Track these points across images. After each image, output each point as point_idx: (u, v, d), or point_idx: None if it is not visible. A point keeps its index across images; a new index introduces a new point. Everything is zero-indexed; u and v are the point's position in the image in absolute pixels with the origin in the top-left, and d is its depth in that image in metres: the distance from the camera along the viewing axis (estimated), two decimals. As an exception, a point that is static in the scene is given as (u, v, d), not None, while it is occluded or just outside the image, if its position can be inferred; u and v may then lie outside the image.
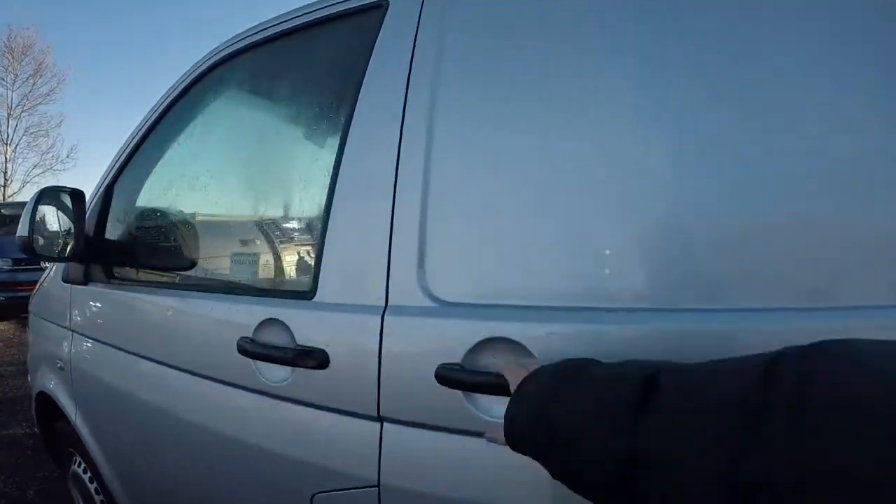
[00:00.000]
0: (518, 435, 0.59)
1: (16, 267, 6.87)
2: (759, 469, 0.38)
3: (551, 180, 0.79)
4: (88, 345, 1.60)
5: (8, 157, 18.18)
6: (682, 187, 0.70)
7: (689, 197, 0.70)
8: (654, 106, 0.74)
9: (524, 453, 0.59)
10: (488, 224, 0.82)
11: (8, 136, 18.18)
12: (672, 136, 0.72)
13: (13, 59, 18.04)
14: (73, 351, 1.68)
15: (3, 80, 18.04)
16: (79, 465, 1.86)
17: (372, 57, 0.99)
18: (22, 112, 18.39)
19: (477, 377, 0.75)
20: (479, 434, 0.74)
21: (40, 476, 2.85)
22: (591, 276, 0.74)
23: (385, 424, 0.86)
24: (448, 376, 0.77)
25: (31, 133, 18.69)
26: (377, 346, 0.85)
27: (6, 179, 18.22)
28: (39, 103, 18.70)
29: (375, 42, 0.99)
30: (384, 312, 0.86)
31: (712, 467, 0.41)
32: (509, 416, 0.61)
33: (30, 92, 18.49)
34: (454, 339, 0.78)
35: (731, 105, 0.69)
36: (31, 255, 1.47)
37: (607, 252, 0.74)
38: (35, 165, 18.81)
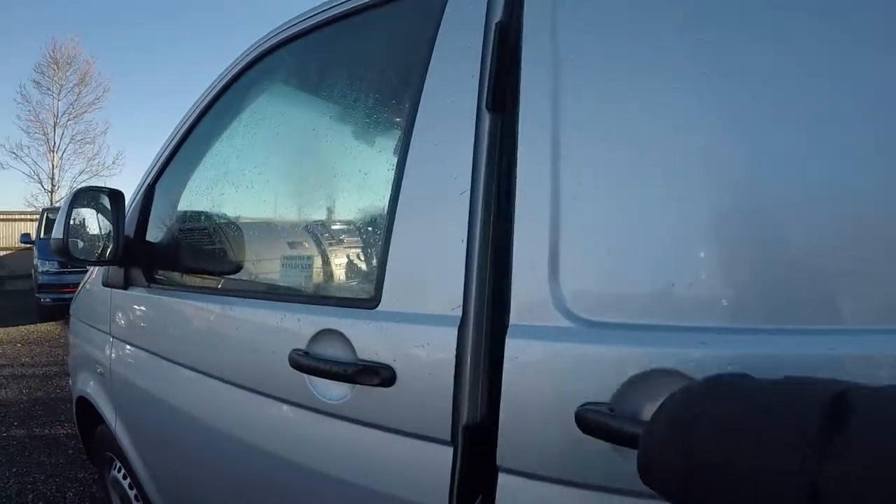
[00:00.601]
0: (652, 461, 0.48)
1: (62, 269, 7.07)
2: None
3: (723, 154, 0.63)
4: (129, 351, 1.55)
5: (55, 163, 18.79)
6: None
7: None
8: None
9: (656, 488, 0.49)
10: (647, 220, 0.66)
11: (55, 143, 18.78)
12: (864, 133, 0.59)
13: (58, 69, 18.63)
14: (113, 356, 1.64)
15: (49, 90, 18.65)
16: (119, 471, 1.83)
17: (439, 32, 0.88)
18: (68, 121, 18.98)
19: (636, 427, 0.58)
20: (634, 493, 0.60)
21: (81, 477, 2.85)
22: (789, 289, 0.59)
23: (501, 475, 0.72)
24: (594, 421, 0.61)
25: (78, 140, 19.24)
26: (453, 361, 0.74)
27: (53, 185, 18.85)
28: (85, 112, 19.26)
29: (444, 10, 0.89)
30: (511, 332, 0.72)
31: None
32: (642, 441, 0.51)
33: (75, 101, 19.05)
34: (602, 370, 0.63)
35: None
36: (67, 258, 1.41)
37: (802, 261, 0.59)
38: (81, 171, 19.34)
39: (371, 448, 0.85)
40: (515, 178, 0.75)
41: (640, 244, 0.66)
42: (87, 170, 19.25)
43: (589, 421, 0.61)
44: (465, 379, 0.76)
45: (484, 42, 0.83)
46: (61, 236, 1.38)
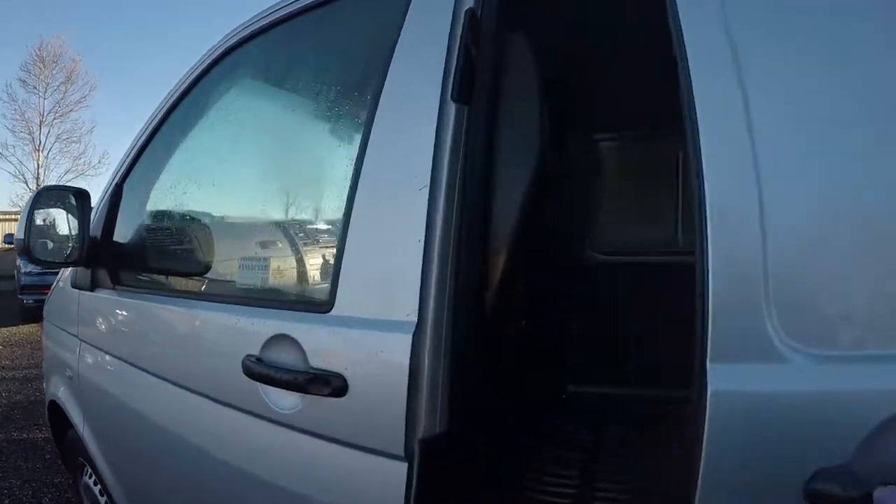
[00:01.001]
0: None
1: (45, 270, 6.97)
2: None
3: None
4: (95, 354, 1.51)
5: (40, 163, 18.52)
6: None
7: None
8: None
9: None
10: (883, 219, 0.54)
11: (40, 142, 18.50)
12: None
13: (44, 67, 18.36)
14: (80, 360, 1.60)
15: (35, 88, 18.36)
16: (90, 477, 1.78)
17: (406, 20, 0.84)
18: (54, 119, 18.71)
19: None
20: None
21: (57, 483, 2.80)
22: None
23: None
24: (834, 497, 0.46)
25: (63, 139, 18.94)
26: (407, 371, 0.70)
27: (38, 185, 18.57)
28: (71, 110, 18.95)
29: (407, 9, 0.86)
30: None
31: None
32: None
33: (61, 99, 18.73)
34: (841, 421, 0.49)
35: None
36: (30, 259, 1.37)
37: None
38: (67, 171, 19.02)
39: (325, 461, 0.80)
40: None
41: (881, 249, 0.53)
42: (73, 169, 18.96)
43: (826, 497, 0.47)
44: (422, 391, 0.72)
45: (451, 30, 0.80)
46: (23, 236, 1.34)
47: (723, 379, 0.55)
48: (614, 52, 1.36)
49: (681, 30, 0.65)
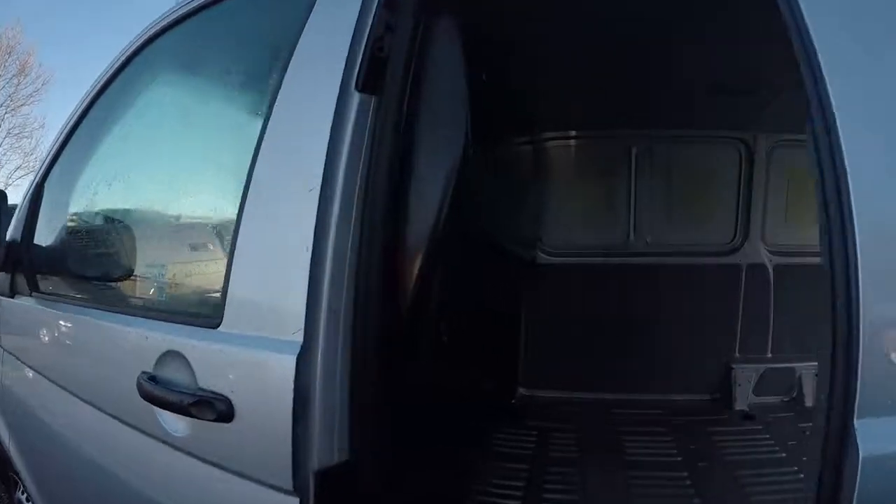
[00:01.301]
0: None
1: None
2: None
3: None
4: (15, 365, 1.43)
5: (-9, 158, 17.87)
6: None
7: None
8: None
9: None
10: None
11: (-9, 137, 17.84)
12: None
13: (-4, 59, 17.69)
14: (3, 371, 1.51)
15: (-14, 81, 17.66)
16: (22, 492, 1.69)
17: (312, 12, 0.77)
18: (5, 113, 18.02)
19: None
20: None
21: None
22: None
23: None
24: None
25: (15, 135, 18.25)
26: (291, 396, 0.63)
27: (-11, 180, 17.87)
28: (23, 104, 18.24)
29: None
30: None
31: None
32: None
33: (13, 93, 18.06)
34: None
35: None
36: None
37: None
38: (18, 167, 18.36)
39: (219, 492, 0.74)
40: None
41: None
42: (24, 165, 18.23)
43: None
44: (314, 417, 0.65)
45: (362, 12, 0.72)
46: None
47: (875, 440, 0.46)
48: (559, 41, 1.29)
49: (804, 22, 0.56)
